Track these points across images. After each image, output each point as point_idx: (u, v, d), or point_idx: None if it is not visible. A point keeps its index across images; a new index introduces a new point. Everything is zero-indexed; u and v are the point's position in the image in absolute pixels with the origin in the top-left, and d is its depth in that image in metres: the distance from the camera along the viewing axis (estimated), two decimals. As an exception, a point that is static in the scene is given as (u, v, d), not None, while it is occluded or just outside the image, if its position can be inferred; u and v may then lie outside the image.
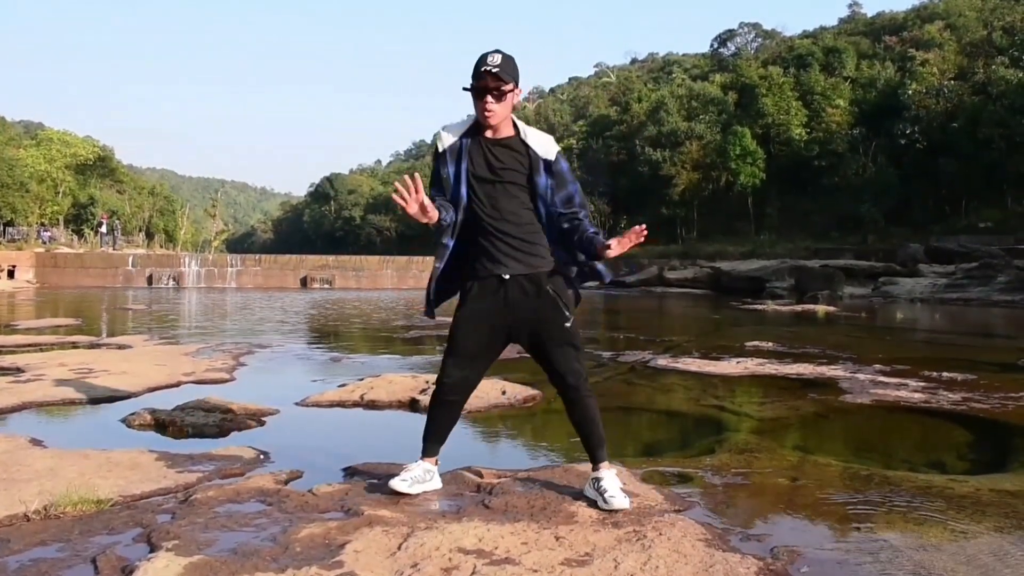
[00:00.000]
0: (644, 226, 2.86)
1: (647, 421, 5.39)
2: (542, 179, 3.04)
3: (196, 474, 3.43)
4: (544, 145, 3.07)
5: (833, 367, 7.33)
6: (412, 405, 5.27)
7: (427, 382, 5.84)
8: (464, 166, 3.04)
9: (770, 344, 9.60)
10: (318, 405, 5.35)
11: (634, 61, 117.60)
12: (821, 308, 18.84)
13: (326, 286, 31.57)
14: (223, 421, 4.61)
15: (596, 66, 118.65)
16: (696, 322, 15.97)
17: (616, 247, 2.87)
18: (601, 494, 2.97)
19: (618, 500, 2.93)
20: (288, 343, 9.84)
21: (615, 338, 11.02)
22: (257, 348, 8.82)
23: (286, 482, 3.35)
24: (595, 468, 3.10)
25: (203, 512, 2.86)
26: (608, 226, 62.62)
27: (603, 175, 63.40)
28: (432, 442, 3.21)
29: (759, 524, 2.91)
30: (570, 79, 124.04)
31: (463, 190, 3.05)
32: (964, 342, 11.29)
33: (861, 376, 6.74)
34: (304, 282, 32.27)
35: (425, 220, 2.92)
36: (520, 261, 3.06)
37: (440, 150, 3.09)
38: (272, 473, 3.46)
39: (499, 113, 2.99)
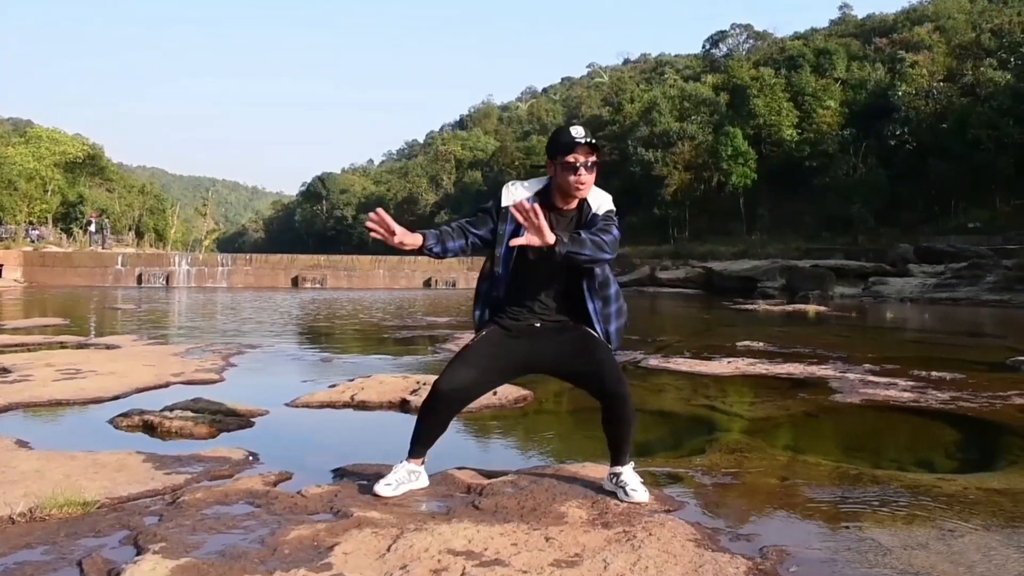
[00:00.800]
0: (534, 208, 2.76)
1: (639, 421, 5.37)
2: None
3: (184, 476, 3.41)
4: (599, 201, 3.09)
5: (823, 367, 7.34)
6: (403, 406, 5.25)
7: (418, 383, 5.83)
8: (523, 231, 2.88)
9: (761, 344, 9.62)
10: (308, 406, 5.33)
11: (626, 61, 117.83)
12: (812, 308, 18.91)
13: (318, 286, 31.51)
14: (212, 422, 4.58)
15: (589, 66, 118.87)
16: (688, 322, 16.00)
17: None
18: (622, 487, 3.06)
19: (640, 494, 3.02)
20: (278, 343, 9.81)
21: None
22: (247, 348, 8.78)
23: (275, 484, 3.33)
24: (612, 465, 3.17)
25: (191, 514, 2.84)
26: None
27: (595, 175, 63.33)
28: (420, 446, 3.20)
29: (749, 524, 2.91)
30: (563, 79, 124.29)
31: (503, 250, 3.08)
32: (953, 342, 11.34)
33: (851, 376, 6.76)
34: (295, 282, 32.21)
35: (408, 247, 2.95)
36: (555, 320, 3.16)
37: (503, 204, 3.07)
38: (261, 474, 3.44)
39: (590, 184, 3.04)
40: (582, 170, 2.98)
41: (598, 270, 3.08)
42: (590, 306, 3.11)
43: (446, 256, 3.10)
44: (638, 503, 2.99)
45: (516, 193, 3.09)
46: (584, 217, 3.07)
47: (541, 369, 3.27)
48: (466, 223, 3.12)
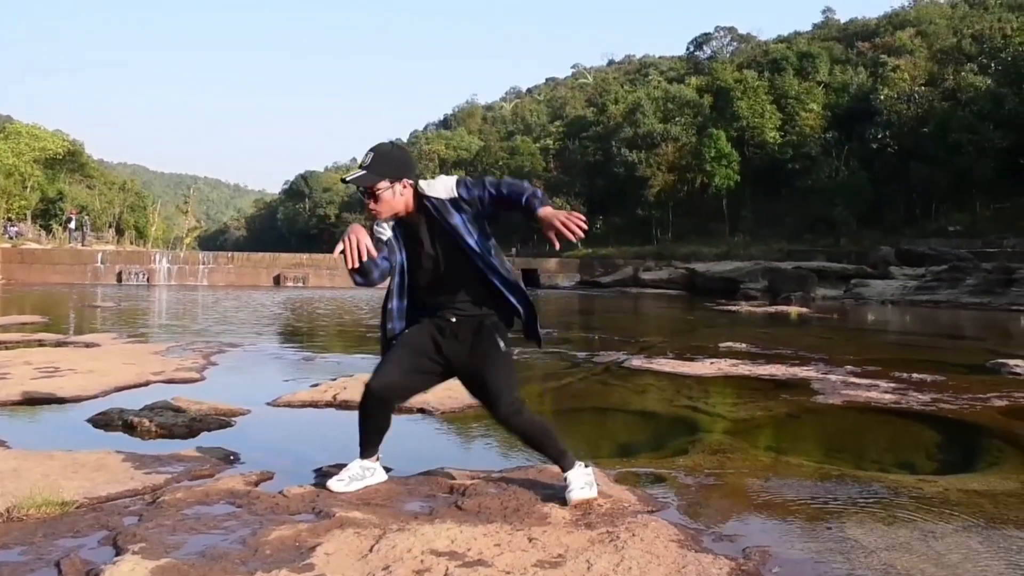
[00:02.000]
0: (582, 220, 2.80)
1: (621, 422, 5.40)
2: (457, 218, 3.03)
3: (164, 475, 3.37)
4: (443, 188, 3.07)
5: (805, 368, 7.38)
6: (385, 405, 5.23)
7: (400, 382, 5.81)
8: (400, 257, 3.11)
9: (744, 345, 9.65)
10: (290, 405, 5.30)
11: (611, 63, 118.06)
12: (794, 309, 19.00)
13: (300, 284, 31.35)
14: (192, 421, 4.55)
15: (573, 67, 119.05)
16: (670, 323, 16.04)
17: (549, 221, 2.81)
18: (566, 491, 2.99)
19: (574, 493, 2.97)
20: (260, 342, 9.76)
21: (590, 339, 11.04)
22: (228, 347, 8.73)
23: (256, 483, 3.31)
24: (563, 472, 3.09)
25: (171, 514, 2.81)
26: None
27: (579, 175, 63.56)
28: (368, 445, 3.25)
29: (732, 524, 2.91)
30: (547, 79, 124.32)
31: (405, 279, 3.15)
32: (934, 344, 11.42)
33: (833, 377, 6.79)
34: (277, 280, 32.04)
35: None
36: (464, 310, 3.14)
37: (385, 239, 3.10)
38: (242, 474, 3.42)
39: (383, 210, 3.04)
40: (367, 199, 3.04)
41: (492, 257, 3.09)
42: (498, 284, 3.09)
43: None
44: (575, 501, 2.94)
45: (385, 229, 3.12)
46: (439, 212, 3.05)
47: (458, 371, 3.19)
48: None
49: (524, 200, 2.92)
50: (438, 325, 3.13)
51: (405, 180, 3.04)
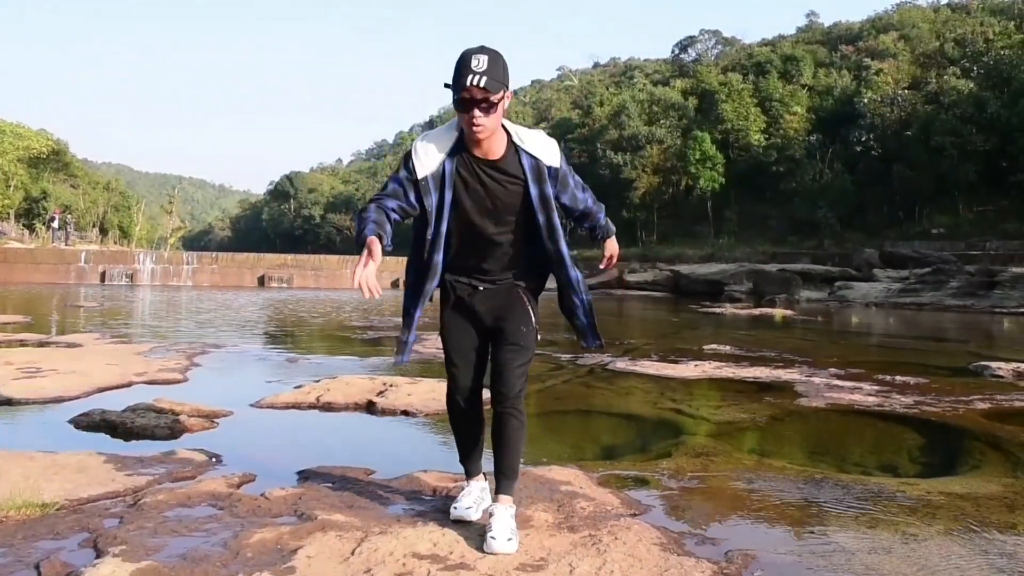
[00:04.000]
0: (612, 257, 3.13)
1: (605, 424, 5.40)
2: (547, 188, 2.68)
3: (146, 477, 3.35)
4: (546, 150, 2.70)
5: (789, 371, 7.41)
6: (369, 407, 5.23)
7: (385, 384, 5.81)
8: (449, 197, 2.63)
9: (728, 347, 9.68)
10: (273, 407, 5.27)
11: (596, 65, 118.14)
12: (778, 312, 19.09)
13: (284, 285, 31.22)
14: (175, 423, 4.52)
15: (559, 69, 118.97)
16: (655, 325, 16.07)
17: (611, 254, 3.12)
18: (488, 531, 2.57)
19: (498, 544, 2.52)
20: (244, 343, 9.71)
21: (574, 340, 11.01)
22: (212, 348, 8.68)
23: (238, 486, 3.29)
24: (493, 498, 2.75)
25: (152, 516, 2.80)
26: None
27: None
28: (470, 460, 2.95)
29: (714, 527, 2.92)
30: (532, 81, 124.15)
31: (443, 226, 2.66)
32: (917, 346, 11.49)
33: (816, 380, 6.82)
34: (262, 281, 31.89)
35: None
36: (498, 283, 2.81)
37: (420, 176, 2.61)
38: (224, 476, 3.40)
39: (489, 127, 2.53)
40: (476, 111, 2.49)
41: (557, 221, 2.76)
42: (565, 259, 2.81)
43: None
44: (493, 553, 2.50)
45: (429, 154, 2.63)
46: (531, 171, 2.66)
47: (485, 324, 2.82)
48: (386, 204, 2.62)
49: (600, 222, 3.04)
50: (466, 292, 2.80)
51: (509, 93, 2.57)
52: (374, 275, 2.39)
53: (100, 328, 11.17)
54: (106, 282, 29.87)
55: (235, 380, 6.81)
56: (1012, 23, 53.91)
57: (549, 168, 2.68)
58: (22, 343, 8.81)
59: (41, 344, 8.67)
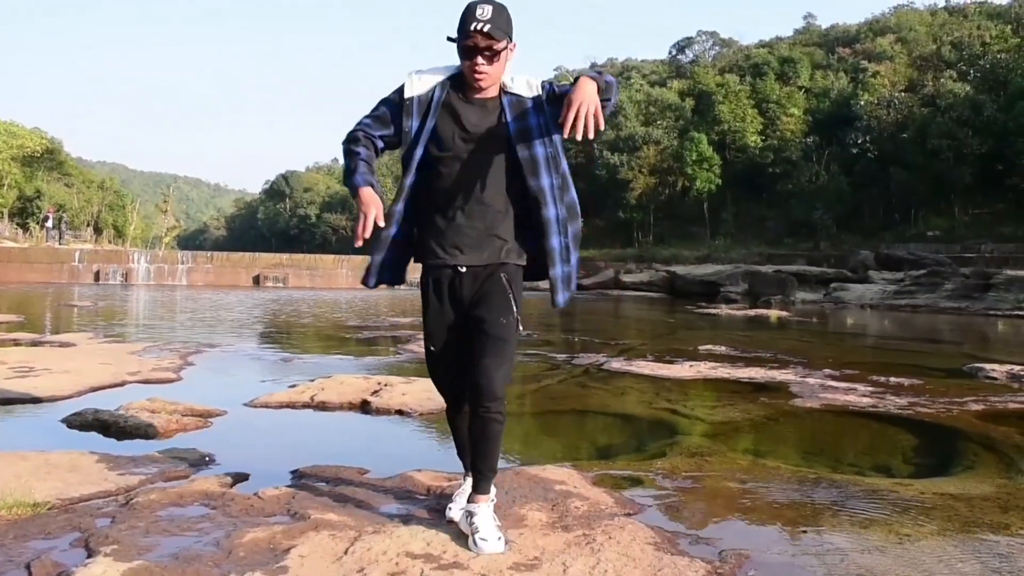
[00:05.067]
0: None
1: (600, 424, 5.39)
2: (530, 120, 2.59)
3: (138, 476, 3.34)
4: (527, 86, 2.64)
5: (784, 371, 7.41)
6: (363, 407, 5.22)
7: (379, 384, 5.80)
8: (430, 125, 2.58)
9: (723, 348, 9.69)
10: (267, 406, 5.26)
11: (593, 65, 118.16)
12: (774, 313, 19.12)
13: (279, 285, 31.21)
14: (168, 422, 4.50)
15: (556, 69, 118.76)
16: (651, 325, 16.07)
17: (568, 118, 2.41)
18: (473, 533, 2.52)
19: (490, 545, 2.48)
20: (238, 343, 9.69)
21: (570, 341, 11.04)
22: (206, 347, 8.67)
23: (231, 485, 3.28)
24: (470, 498, 2.67)
25: (144, 516, 2.78)
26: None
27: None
28: (467, 455, 2.86)
29: (709, 527, 2.91)
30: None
31: (418, 152, 2.60)
32: (912, 348, 11.50)
33: (811, 380, 6.82)
34: (257, 280, 31.88)
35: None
36: (479, 250, 2.64)
37: (407, 96, 2.61)
38: (217, 476, 3.39)
39: (492, 75, 2.55)
40: (479, 59, 2.50)
41: (563, 162, 2.67)
42: (552, 227, 2.64)
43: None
44: (488, 555, 2.45)
45: (423, 80, 2.62)
46: (510, 107, 2.60)
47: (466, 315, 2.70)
48: (369, 128, 2.65)
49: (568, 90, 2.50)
50: (447, 278, 2.67)
51: (512, 44, 2.56)
52: (380, 214, 2.45)
53: (94, 327, 11.15)
54: (100, 281, 29.85)
55: (229, 379, 6.80)
56: (1009, 27, 54.05)
57: (532, 99, 2.62)
58: (15, 342, 8.78)
59: (34, 343, 8.65)
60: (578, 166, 64.26)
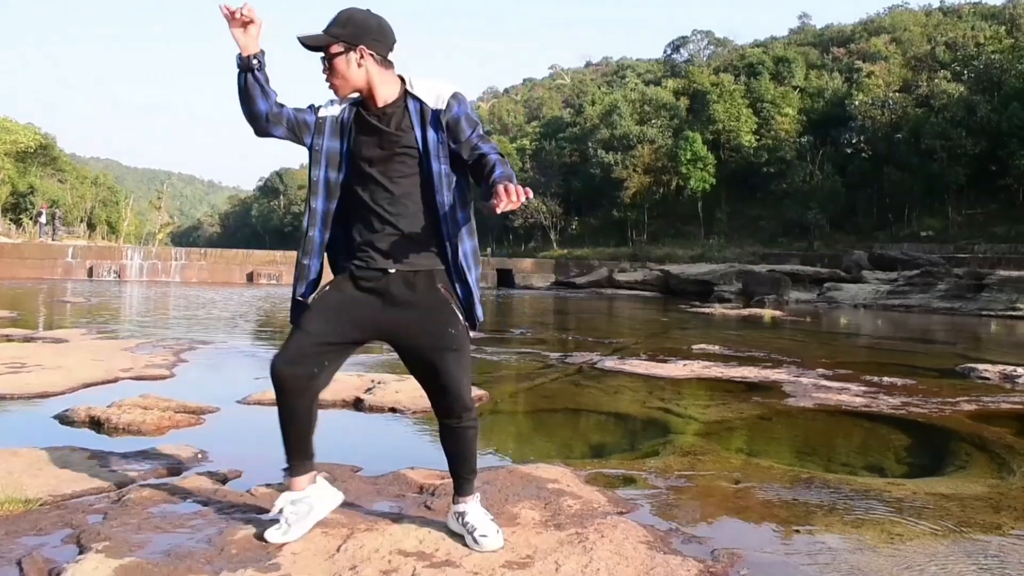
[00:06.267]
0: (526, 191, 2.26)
1: (593, 423, 5.39)
2: (432, 135, 2.50)
3: (131, 473, 3.33)
4: (433, 93, 2.54)
5: (777, 371, 7.42)
6: (356, 405, 5.21)
7: (373, 381, 5.80)
8: (341, 147, 2.55)
9: (716, 347, 9.70)
10: (260, 403, 5.24)
11: (588, 64, 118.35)
12: (767, 312, 19.14)
13: (273, 282, 31.12)
14: (161, 419, 4.49)
15: (551, 68, 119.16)
16: (644, 324, 16.08)
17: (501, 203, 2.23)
18: (470, 532, 2.52)
19: (491, 540, 2.49)
20: (231, 339, 9.67)
21: (564, 339, 11.04)
22: (199, 344, 8.64)
23: (224, 482, 3.27)
24: (456, 500, 2.64)
25: (136, 512, 2.78)
26: (559, 227, 62.98)
27: (555, 176, 63.62)
28: (296, 459, 2.74)
29: (701, 526, 2.92)
30: (524, 80, 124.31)
31: (331, 174, 2.56)
32: (905, 348, 11.53)
33: (804, 380, 6.83)
34: (251, 277, 31.81)
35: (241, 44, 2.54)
36: (405, 254, 2.52)
37: (320, 115, 2.58)
38: (210, 473, 3.38)
39: (340, 84, 2.51)
40: (326, 72, 2.52)
41: (462, 181, 2.56)
42: (453, 238, 2.53)
43: (268, 126, 2.57)
44: (489, 552, 2.47)
45: (333, 106, 2.59)
46: (422, 118, 2.51)
47: (384, 337, 2.63)
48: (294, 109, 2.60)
49: (494, 178, 2.37)
50: (371, 277, 2.55)
51: (363, 48, 2.47)
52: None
53: (86, 324, 11.11)
54: (93, 278, 29.74)
55: (223, 376, 6.78)
56: (1003, 27, 54.32)
57: (433, 111, 2.51)
58: (7, 338, 8.74)
59: (27, 340, 8.61)
60: (573, 165, 64.49)
